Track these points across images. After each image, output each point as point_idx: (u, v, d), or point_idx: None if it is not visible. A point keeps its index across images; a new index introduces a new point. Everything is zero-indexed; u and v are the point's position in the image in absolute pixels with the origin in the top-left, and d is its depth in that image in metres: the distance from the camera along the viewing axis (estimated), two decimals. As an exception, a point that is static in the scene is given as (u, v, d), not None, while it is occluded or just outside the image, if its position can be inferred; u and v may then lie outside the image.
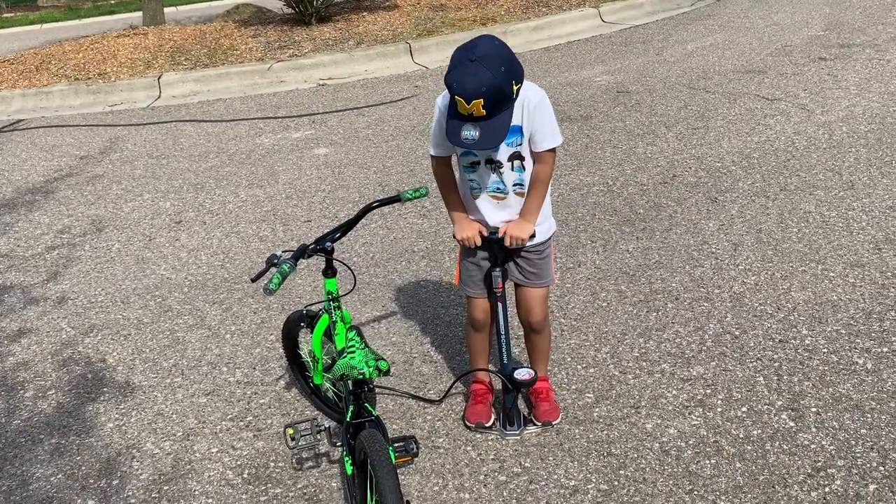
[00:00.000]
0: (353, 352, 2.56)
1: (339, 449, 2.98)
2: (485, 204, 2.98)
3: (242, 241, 5.40)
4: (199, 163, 7.12)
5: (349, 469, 2.57)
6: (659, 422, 3.28)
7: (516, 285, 3.16)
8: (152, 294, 4.81)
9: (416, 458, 2.87)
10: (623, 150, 6.33)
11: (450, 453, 3.20)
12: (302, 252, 2.71)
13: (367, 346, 2.64)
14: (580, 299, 4.26)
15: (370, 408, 2.65)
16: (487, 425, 3.28)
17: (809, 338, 3.76)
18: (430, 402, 3.51)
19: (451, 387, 3.52)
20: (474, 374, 3.42)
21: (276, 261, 2.64)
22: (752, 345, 3.75)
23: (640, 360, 3.70)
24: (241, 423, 3.53)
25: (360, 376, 2.48)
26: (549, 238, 3.08)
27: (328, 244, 2.87)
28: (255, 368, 3.92)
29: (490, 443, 3.24)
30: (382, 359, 2.51)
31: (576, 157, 6.28)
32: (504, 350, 3.18)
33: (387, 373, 2.50)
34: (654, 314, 4.06)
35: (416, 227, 5.31)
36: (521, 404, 3.41)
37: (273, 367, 3.91)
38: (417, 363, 3.83)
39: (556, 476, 3.03)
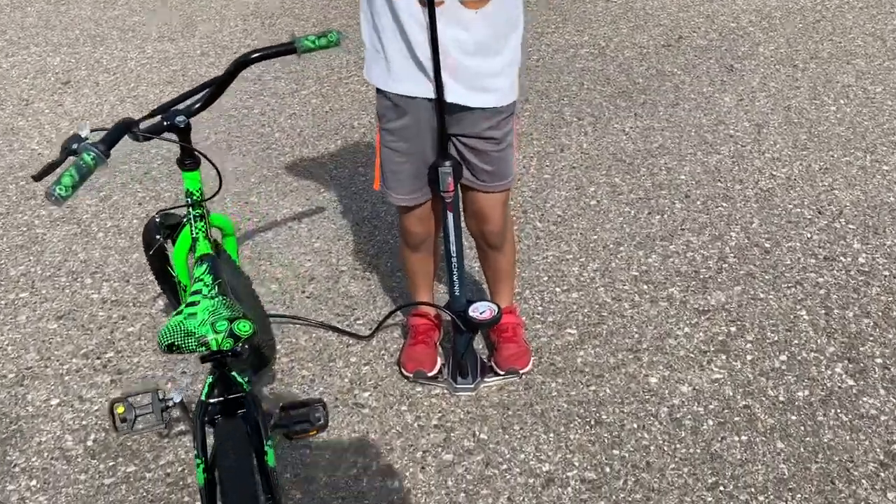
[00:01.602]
0: (196, 303, 1.57)
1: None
2: (412, 20, 1.91)
3: (139, 107, 4.28)
4: (104, 10, 5.84)
5: (200, 478, 1.65)
6: (667, 374, 2.38)
7: (464, 188, 2.16)
8: (15, 175, 3.74)
9: (325, 430, 1.96)
10: (618, 3, 5.19)
11: (377, 416, 2.30)
12: (122, 131, 1.65)
13: (225, 290, 1.64)
14: (562, 195, 3.28)
15: (239, 378, 1.70)
16: (431, 375, 2.37)
17: (864, 254, 2.85)
18: (357, 337, 2.58)
19: (384, 321, 2.57)
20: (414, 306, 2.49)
21: (75, 146, 1.60)
22: (787, 262, 2.83)
23: (640, 281, 2.77)
24: (98, 362, 2.58)
25: (202, 349, 1.51)
26: (510, 114, 2.05)
27: (180, 118, 1.83)
28: (128, 281, 2.94)
29: (433, 401, 2.34)
30: (243, 317, 1.54)
31: (560, 11, 5.13)
32: (455, 279, 2.22)
33: (249, 340, 1.53)
34: (658, 217, 3.11)
35: (359, 95, 4.22)
36: (479, 344, 2.50)
37: (153, 279, 2.93)
38: (345, 280, 2.87)
39: (522, 456, 2.15)
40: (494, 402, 2.32)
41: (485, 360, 2.43)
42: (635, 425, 2.22)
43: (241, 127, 3.95)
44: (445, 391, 2.36)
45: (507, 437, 2.21)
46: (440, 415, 2.29)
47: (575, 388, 2.35)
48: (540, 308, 2.67)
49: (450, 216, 2.10)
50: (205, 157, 1.83)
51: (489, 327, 2.30)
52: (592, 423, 2.23)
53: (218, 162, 1.88)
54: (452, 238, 2.13)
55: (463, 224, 2.21)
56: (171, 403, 1.80)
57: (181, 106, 1.87)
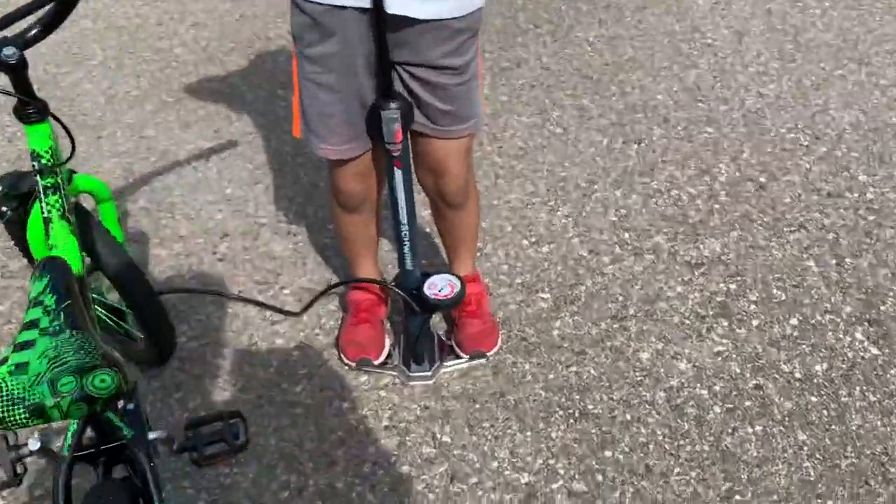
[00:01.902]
0: (29, 344, 1.05)
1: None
2: None
3: None
4: None
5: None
6: (660, 347, 1.99)
7: (415, 135, 1.66)
8: None
9: (245, 449, 1.51)
10: None
11: (312, 417, 1.85)
12: None
13: (77, 318, 1.10)
14: (522, 122, 2.80)
15: (117, 421, 1.22)
16: (378, 362, 1.92)
17: (872, 189, 2.47)
18: (285, 313, 2.10)
19: (317, 298, 2.10)
20: (354, 274, 2.01)
21: None
22: (787, 200, 2.43)
23: (620, 228, 2.34)
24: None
25: (36, 421, 1.01)
26: (474, 33, 1.55)
27: (8, 51, 1.28)
28: (-6, 244, 2.38)
29: (382, 395, 1.90)
30: (104, 362, 1.03)
31: None
32: (406, 251, 1.75)
33: (114, 398, 1.04)
34: (636, 147, 2.67)
35: (275, -1, 3.59)
36: (437, 319, 2.05)
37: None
38: (266, 236, 2.36)
39: (495, 464, 1.75)
40: (457, 393, 1.89)
41: (443, 338, 1.99)
42: (629, 416, 1.83)
43: (134, 41, 3.30)
44: (397, 381, 1.92)
45: (474, 438, 1.79)
46: (391, 412, 1.86)
47: (553, 369, 1.94)
48: (505, 267, 2.22)
49: (397, 173, 1.61)
50: (47, 110, 1.29)
51: (450, 308, 1.86)
52: (577, 415, 1.84)
53: (71, 120, 1.33)
54: (402, 201, 1.65)
55: (415, 178, 1.72)
56: (27, 452, 1.30)
57: (8, 32, 1.31)
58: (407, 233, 1.70)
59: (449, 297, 1.74)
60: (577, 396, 1.87)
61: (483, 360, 1.93)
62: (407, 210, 1.66)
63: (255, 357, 2.00)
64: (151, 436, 1.34)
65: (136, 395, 1.35)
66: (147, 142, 2.76)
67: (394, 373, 1.92)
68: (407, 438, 1.80)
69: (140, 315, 1.74)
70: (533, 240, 2.31)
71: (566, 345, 2.00)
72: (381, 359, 1.92)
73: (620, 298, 2.12)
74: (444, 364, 1.93)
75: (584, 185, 2.50)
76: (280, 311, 2.09)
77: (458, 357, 1.94)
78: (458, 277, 1.76)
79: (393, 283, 1.87)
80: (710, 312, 2.07)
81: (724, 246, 2.27)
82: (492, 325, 1.97)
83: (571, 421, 1.82)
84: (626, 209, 2.41)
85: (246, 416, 1.82)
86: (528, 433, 1.80)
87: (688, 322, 2.05)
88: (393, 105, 1.51)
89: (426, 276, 1.78)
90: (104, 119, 2.88)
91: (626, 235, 2.31)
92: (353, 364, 1.92)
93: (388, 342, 1.95)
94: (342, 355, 1.95)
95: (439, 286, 1.75)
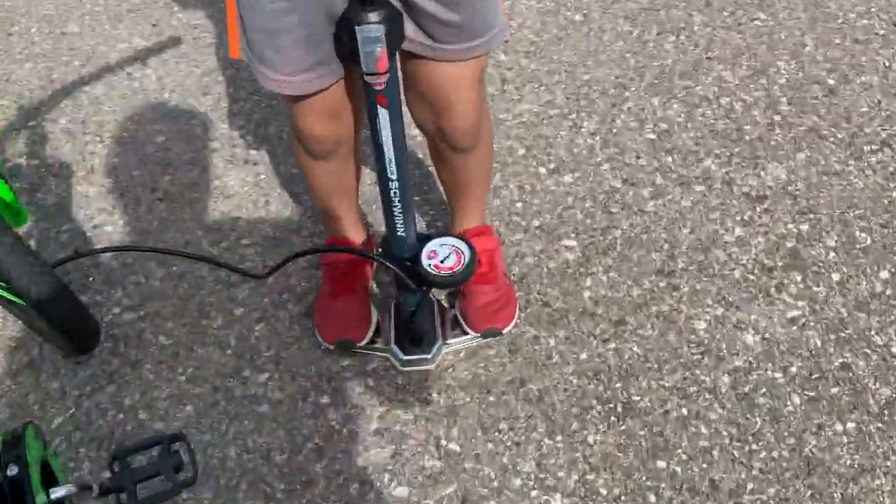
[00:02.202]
0: None
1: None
2: None
3: None
4: None
5: None
6: (719, 313, 1.58)
7: (406, 56, 1.17)
8: None
9: (193, 484, 1.12)
10: None
11: (281, 417, 1.45)
12: None
13: None
14: (532, 9, 2.27)
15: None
16: (362, 343, 1.50)
17: (970, 93, 2.00)
18: (245, 275, 1.64)
19: (286, 262, 1.65)
20: (330, 234, 1.56)
21: None
22: (863, 109, 1.97)
23: (661, 149, 1.88)
24: None
25: None
26: None
27: None
28: None
29: (370, 384, 1.49)
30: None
31: None
32: (397, 213, 1.28)
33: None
34: (672, 38, 2.16)
35: None
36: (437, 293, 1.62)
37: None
38: (218, 167, 1.89)
39: (518, 481, 1.36)
40: (465, 381, 1.49)
41: (445, 308, 1.57)
42: (685, 411, 1.44)
43: None
44: (388, 366, 1.51)
45: (490, 445, 1.41)
46: (383, 410, 1.46)
47: (585, 346, 1.53)
48: (519, 205, 1.78)
49: (382, 113, 1.13)
50: None
51: (456, 286, 1.42)
52: (619, 410, 1.45)
53: None
54: (389, 151, 1.17)
55: (407, 113, 1.24)
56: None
57: None
58: (397, 191, 1.24)
59: (454, 270, 1.30)
60: (619, 384, 1.48)
61: (498, 338, 1.53)
62: (396, 161, 1.20)
63: (208, 334, 1.58)
64: (55, 495, 0.94)
65: (20, 447, 0.93)
66: (69, 40, 2.23)
67: (383, 356, 1.52)
68: (403, 447, 1.41)
69: (38, 313, 1.30)
70: (552, 166, 1.85)
71: (600, 311, 1.58)
72: (367, 339, 1.50)
73: (666, 246, 1.69)
74: (447, 343, 1.52)
75: (613, 92, 2.02)
76: (239, 271, 1.65)
77: (464, 333, 1.53)
78: (467, 243, 1.32)
79: (379, 253, 1.42)
80: (780, 263, 1.65)
81: (790, 172, 1.82)
82: (507, 291, 1.54)
83: (613, 419, 1.43)
84: (667, 123, 1.94)
85: (200, 418, 1.42)
86: (559, 437, 1.41)
87: (752, 277, 1.63)
88: (373, 17, 1.02)
89: (424, 239, 1.33)
90: (15, 10, 2.32)
91: (669, 159, 1.86)
92: (332, 345, 1.50)
93: (373, 317, 1.53)
94: (318, 335, 1.53)
95: (441, 255, 1.31)
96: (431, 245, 1.32)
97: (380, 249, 1.39)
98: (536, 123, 1.95)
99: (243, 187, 1.84)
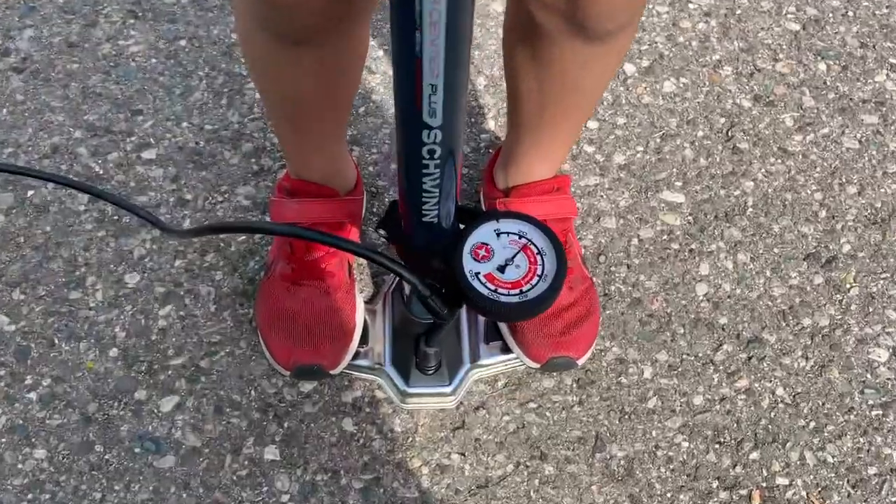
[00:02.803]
0: None
1: None
2: None
3: None
4: None
5: None
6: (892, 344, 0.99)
7: None
8: None
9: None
10: None
11: (195, 496, 0.86)
12: None
13: None
14: None
15: None
16: (338, 370, 0.88)
17: None
18: (161, 228, 0.98)
19: (218, 230, 0.99)
20: (297, 177, 0.90)
21: None
22: None
23: (814, 38, 1.23)
24: None
25: None
26: None
27: None
28: None
29: (348, 435, 0.90)
30: None
31: None
32: (433, 179, 0.63)
33: None
34: None
35: None
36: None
37: None
38: (113, 15, 1.19)
39: None
40: (505, 434, 0.90)
41: (481, 328, 0.95)
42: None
43: None
44: (380, 398, 0.91)
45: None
46: (367, 478, 0.87)
47: (701, 381, 0.94)
48: (591, 124, 1.13)
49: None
50: None
51: (524, 318, 0.78)
52: (756, 500, 0.88)
53: None
54: (436, 39, 0.51)
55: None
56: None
57: None
58: (439, 133, 0.58)
59: (524, 287, 0.67)
60: (756, 454, 0.90)
61: (569, 372, 0.93)
62: (447, 64, 0.53)
63: (79, 317, 0.95)
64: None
65: None
66: None
67: (374, 377, 0.91)
68: (402, 554, 0.84)
69: None
70: (645, 64, 1.19)
71: (723, 320, 0.98)
72: (346, 360, 0.89)
73: (823, 213, 1.08)
74: (479, 364, 0.92)
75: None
76: (153, 221, 0.99)
77: (505, 349, 0.92)
78: (548, 233, 0.69)
79: (385, 252, 0.79)
80: None
81: None
82: (586, 291, 0.92)
83: (749, 521, 0.87)
84: (817, 8, 1.27)
85: (56, 475, 0.84)
86: (660, 548, 0.85)
87: (955, 276, 1.04)
88: None
89: (463, 216, 0.70)
90: None
91: (822, 67, 1.21)
92: (287, 374, 0.88)
93: (359, 314, 0.91)
94: (264, 349, 0.91)
95: (500, 255, 0.68)
96: (481, 233, 0.69)
97: (381, 231, 0.73)
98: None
99: (150, 58, 1.15)
